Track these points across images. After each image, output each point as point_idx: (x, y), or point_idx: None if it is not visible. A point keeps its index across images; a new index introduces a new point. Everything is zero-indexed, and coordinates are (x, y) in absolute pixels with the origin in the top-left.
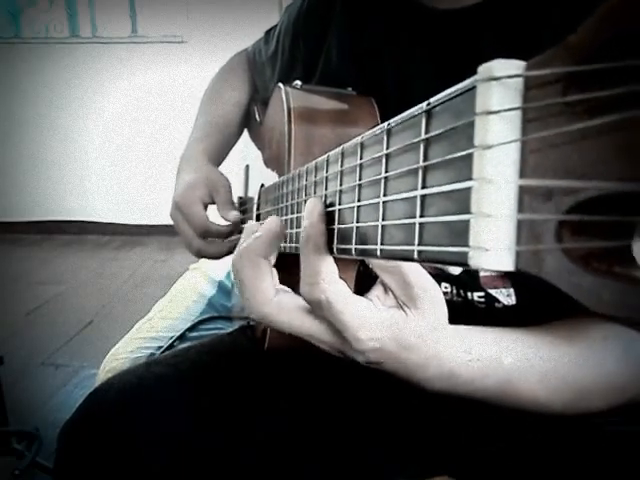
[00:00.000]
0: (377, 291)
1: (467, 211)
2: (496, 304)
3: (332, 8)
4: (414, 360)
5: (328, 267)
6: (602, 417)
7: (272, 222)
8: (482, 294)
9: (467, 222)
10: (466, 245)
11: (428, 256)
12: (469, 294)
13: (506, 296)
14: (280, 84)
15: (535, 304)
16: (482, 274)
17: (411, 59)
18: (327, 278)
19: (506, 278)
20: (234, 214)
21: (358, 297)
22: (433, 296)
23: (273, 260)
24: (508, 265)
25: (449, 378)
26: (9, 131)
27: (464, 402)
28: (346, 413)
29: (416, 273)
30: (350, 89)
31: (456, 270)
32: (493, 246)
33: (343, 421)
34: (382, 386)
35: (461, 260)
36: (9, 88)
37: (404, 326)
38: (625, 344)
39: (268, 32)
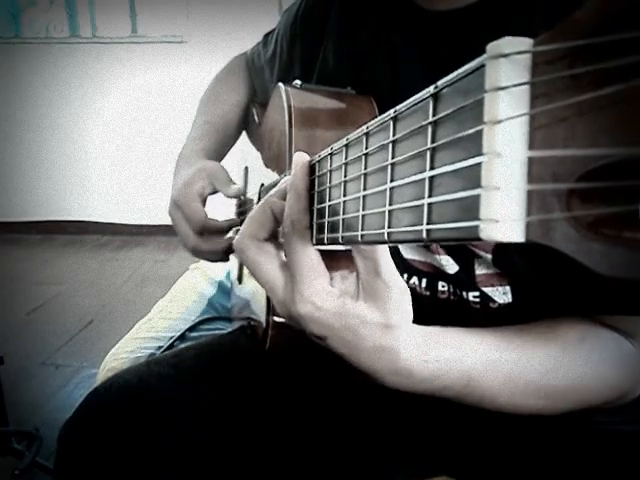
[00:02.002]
0: (341, 272)
1: (477, 186)
2: (491, 304)
3: (328, 10)
4: (361, 345)
5: (305, 216)
6: (604, 416)
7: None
8: (477, 294)
9: (477, 196)
10: (477, 219)
11: (437, 234)
12: (464, 293)
13: (502, 294)
14: (280, 84)
15: (531, 301)
16: (478, 272)
17: (406, 60)
18: (299, 223)
19: (502, 276)
20: (235, 187)
21: (321, 261)
22: (397, 296)
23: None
24: (519, 236)
25: (407, 377)
26: (9, 131)
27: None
28: (346, 413)
29: (387, 267)
30: (349, 88)
31: (452, 269)
32: (503, 217)
33: (343, 421)
34: (382, 386)
35: (472, 234)
36: (9, 88)
37: (351, 307)
38: (602, 347)
39: (267, 35)
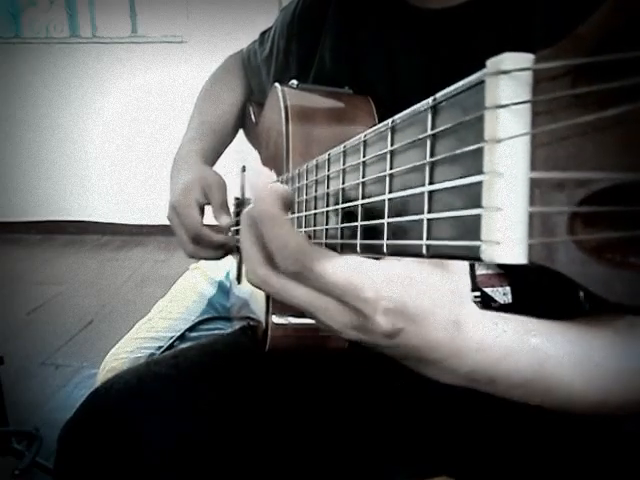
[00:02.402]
0: None
1: (478, 205)
2: (492, 304)
3: (326, 10)
4: (434, 326)
5: (294, 237)
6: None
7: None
8: (478, 294)
9: (478, 216)
10: (477, 239)
11: (438, 251)
12: None
13: (502, 295)
14: (277, 84)
15: (532, 302)
16: (478, 272)
17: (404, 59)
18: (297, 247)
19: (502, 277)
20: (226, 220)
21: (345, 256)
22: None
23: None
24: (521, 258)
25: (476, 352)
26: (9, 131)
27: (463, 402)
28: (346, 414)
29: None
30: (347, 88)
31: None
32: (505, 239)
33: (343, 421)
34: (382, 386)
35: (472, 254)
36: (9, 88)
37: (422, 279)
38: None
39: (263, 34)
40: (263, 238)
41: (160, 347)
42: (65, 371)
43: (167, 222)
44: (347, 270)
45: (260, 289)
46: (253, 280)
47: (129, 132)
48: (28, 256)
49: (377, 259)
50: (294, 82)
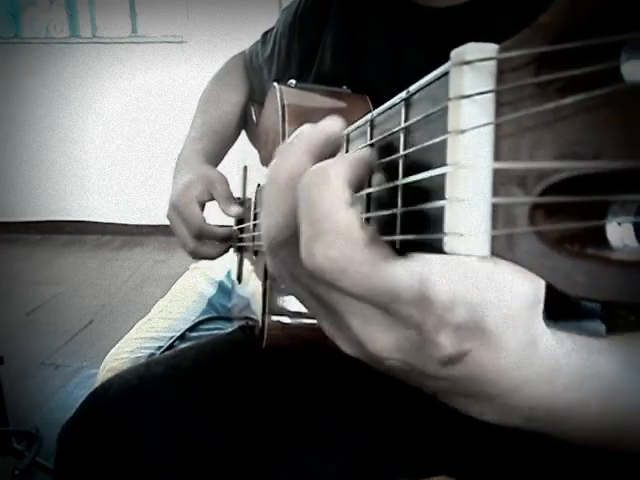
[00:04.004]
0: None
1: (442, 197)
2: None
3: (327, 10)
4: (509, 348)
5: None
6: None
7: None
8: None
9: (442, 208)
10: (441, 232)
11: (408, 246)
12: None
13: None
14: (275, 83)
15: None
16: None
17: (406, 59)
18: (340, 222)
19: None
20: (235, 209)
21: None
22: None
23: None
24: (483, 250)
25: (547, 383)
26: (9, 131)
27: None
28: (346, 413)
29: None
30: (345, 87)
31: None
32: (468, 231)
33: (343, 421)
34: (382, 386)
35: (437, 247)
36: (9, 88)
37: (503, 281)
38: None
39: (265, 34)
40: (304, 210)
41: (160, 347)
42: (65, 371)
43: (167, 222)
44: (409, 267)
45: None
46: (272, 263)
47: (129, 132)
48: (28, 256)
49: None
50: (292, 81)
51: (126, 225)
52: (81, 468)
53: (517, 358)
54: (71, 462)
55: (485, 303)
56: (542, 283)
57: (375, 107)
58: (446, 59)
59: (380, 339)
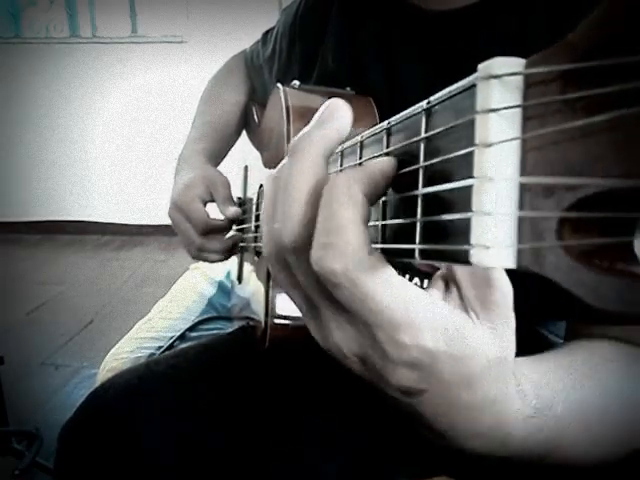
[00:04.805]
0: (435, 287)
1: (468, 209)
2: None
3: (328, 11)
4: (469, 401)
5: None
6: None
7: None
8: None
9: (468, 220)
10: (467, 243)
11: (430, 255)
12: None
13: None
14: (279, 84)
15: (526, 303)
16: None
17: (405, 60)
18: (352, 240)
19: None
20: (234, 210)
21: (403, 280)
22: (507, 313)
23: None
24: (509, 262)
25: (504, 436)
26: (9, 131)
27: None
28: (346, 413)
29: (499, 274)
30: (349, 89)
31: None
32: (494, 244)
33: (343, 421)
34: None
35: (462, 258)
36: (9, 88)
37: (472, 337)
38: (626, 366)
39: (266, 34)
40: (322, 216)
41: (160, 347)
42: (65, 371)
43: (167, 222)
44: (395, 295)
45: (269, 271)
46: (271, 259)
47: (129, 132)
48: (28, 256)
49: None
50: (296, 82)
51: (126, 225)
52: (81, 468)
53: (477, 414)
54: (71, 462)
55: (452, 353)
56: (512, 344)
57: (377, 108)
58: (444, 63)
59: (348, 347)
